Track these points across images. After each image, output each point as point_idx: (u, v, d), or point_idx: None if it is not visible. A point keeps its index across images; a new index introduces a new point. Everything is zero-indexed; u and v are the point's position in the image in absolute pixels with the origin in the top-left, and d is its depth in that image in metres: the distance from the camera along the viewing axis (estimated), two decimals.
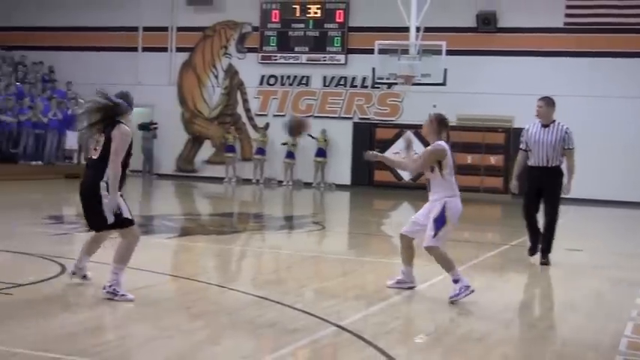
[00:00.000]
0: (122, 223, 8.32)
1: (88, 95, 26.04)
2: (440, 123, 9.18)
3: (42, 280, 9.01)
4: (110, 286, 8.25)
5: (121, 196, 8.32)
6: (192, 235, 14.80)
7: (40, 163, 27.73)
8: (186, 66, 32.06)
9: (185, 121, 31.95)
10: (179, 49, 31.93)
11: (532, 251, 12.38)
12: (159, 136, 31.29)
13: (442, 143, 9.09)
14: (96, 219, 8.31)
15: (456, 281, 9.00)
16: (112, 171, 8.12)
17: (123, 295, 8.23)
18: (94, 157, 8.27)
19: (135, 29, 32.06)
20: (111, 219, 8.21)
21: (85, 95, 30.40)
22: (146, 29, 32.00)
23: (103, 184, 8.18)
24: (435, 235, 9.00)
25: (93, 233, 8.82)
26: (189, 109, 31.99)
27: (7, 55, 31.83)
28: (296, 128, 10.06)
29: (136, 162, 31.20)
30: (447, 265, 9.07)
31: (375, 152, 9.63)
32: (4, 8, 32.96)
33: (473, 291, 8.95)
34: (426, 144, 9.35)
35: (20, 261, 10.43)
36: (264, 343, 7.09)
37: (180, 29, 31.81)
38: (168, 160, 31.60)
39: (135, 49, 32.12)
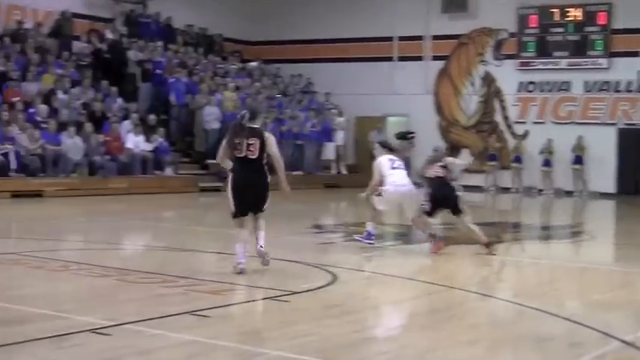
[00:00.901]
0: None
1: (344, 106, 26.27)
2: None
3: (316, 288, 9.08)
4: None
5: None
6: (454, 244, 14.53)
7: (300, 173, 28.39)
8: (442, 74, 31.84)
9: (442, 129, 31.73)
10: (435, 58, 31.75)
11: None
12: (416, 145, 31.19)
13: None
14: (263, 203, 10.20)
15: None
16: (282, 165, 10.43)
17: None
18: (254, 156, 9.99)
19: (390, 39, 32.21)
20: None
21: (342, 105, 30.97)
22: (401, 38, 32.04)
23: (268, 176, 10.14)
24: None
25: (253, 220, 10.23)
26: (446, 117, 31.75)
27: (266, 68, 32.89)
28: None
29: None
30: None
31: None
32: (262, 24, 34.00)
33: None
34: None
35: (293, 269, 10.59)
36: (545, 358, 6.75)
37: (435, 37, 31.65)
38: None
39: (390, 59, 32.28)
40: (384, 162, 13.23)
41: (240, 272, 9.76)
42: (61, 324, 6.88)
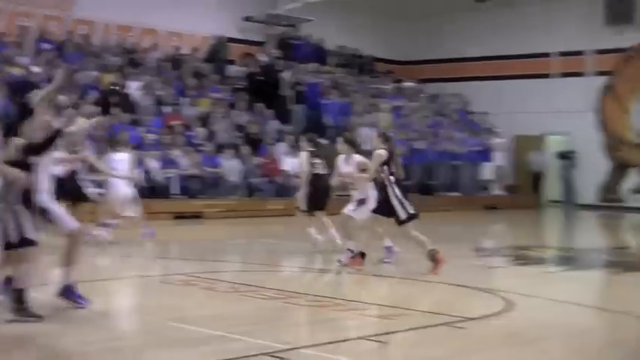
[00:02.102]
0: None
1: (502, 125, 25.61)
2: None
3: (491, 315, 8.64)
4: None
5: None
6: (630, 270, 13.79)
7: (457, 194, 27.84)
8: (606, 90, 30.57)
9: (607, 148, 30.43)
10: (598, 73, 30.53)
11: None
12: (578, 165, 30.12)
13: None
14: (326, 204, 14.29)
15: None
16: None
17: None
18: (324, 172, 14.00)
19: (549, 55, 31.30)
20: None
21: (499, 125, 30.33)
22: (561, 54, 31.02)
23: None
24: None
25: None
26: (611, 135, 30.42)
27: (424, 88, 32.53)
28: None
29: (556, 192, 30.25)
30: None
31: None
32: (414, 43, 33.64)
33: None
34: None
35: (463, 294, 10.19)
36: None
37: (598, 52, 30.48)
38: (590, 190, 30.18)
39: (549, 76, 31.30)
40: None
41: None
42: (237, 346, 6.85)
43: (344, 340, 7.20)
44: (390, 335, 7.55)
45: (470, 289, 10.35)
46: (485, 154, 29.05)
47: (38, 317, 7.61)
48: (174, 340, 7.11)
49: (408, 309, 8.90)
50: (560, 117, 30.07)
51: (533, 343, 7.58)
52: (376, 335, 7.43)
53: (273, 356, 6.43)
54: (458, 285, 10.60)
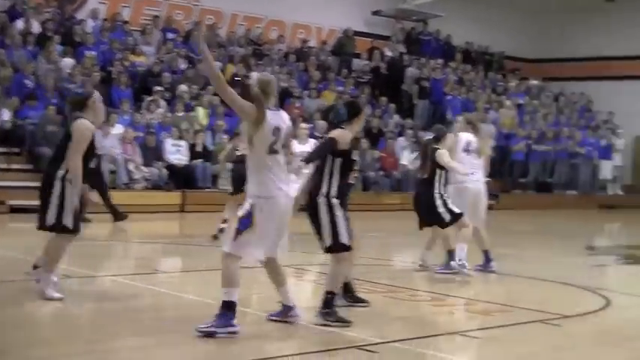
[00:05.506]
0: None
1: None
2: None
3: (588, 312, 8.72)
4: None
5: None
6: None
7: (574, 192, 27.61)
8: None
9: None
10: None
11: None
12: None
13: None
14: None
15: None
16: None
17: None
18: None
19: None
20: None
21: (621, 125, 29.67)
22: None
23: None
24: None
25: None
26: None
27: (547, 86, 32.16)
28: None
29: None
30: None
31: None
32: (543, 41, 33.16)
33: None
34: None
35: (564, 291, 10.26)
36: None
37: None
38: None
39: None
40: None
41: None
42: (329, 338, 6.99)
43: (437, 335, 7.34)
44: (484, 331, 7.69)
45: (573, 287, 10.39)
46: (605, 154, 28.63)
47: (347, 322, 7.35)
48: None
49: (505, 305, 9.02)
50: None
51: (627, 341, 7.64)
52: (471, 331, 7.65)
53: (362, 349, 6.55)
54: (562, 283, 10.63)
